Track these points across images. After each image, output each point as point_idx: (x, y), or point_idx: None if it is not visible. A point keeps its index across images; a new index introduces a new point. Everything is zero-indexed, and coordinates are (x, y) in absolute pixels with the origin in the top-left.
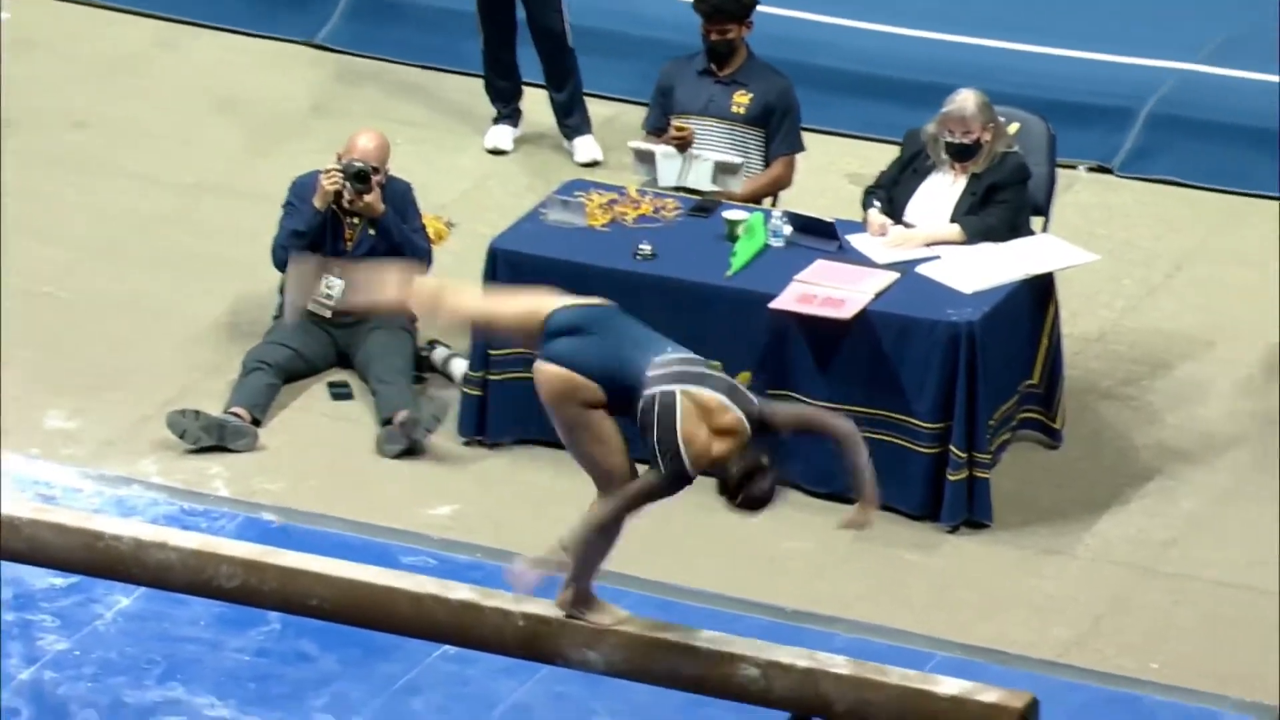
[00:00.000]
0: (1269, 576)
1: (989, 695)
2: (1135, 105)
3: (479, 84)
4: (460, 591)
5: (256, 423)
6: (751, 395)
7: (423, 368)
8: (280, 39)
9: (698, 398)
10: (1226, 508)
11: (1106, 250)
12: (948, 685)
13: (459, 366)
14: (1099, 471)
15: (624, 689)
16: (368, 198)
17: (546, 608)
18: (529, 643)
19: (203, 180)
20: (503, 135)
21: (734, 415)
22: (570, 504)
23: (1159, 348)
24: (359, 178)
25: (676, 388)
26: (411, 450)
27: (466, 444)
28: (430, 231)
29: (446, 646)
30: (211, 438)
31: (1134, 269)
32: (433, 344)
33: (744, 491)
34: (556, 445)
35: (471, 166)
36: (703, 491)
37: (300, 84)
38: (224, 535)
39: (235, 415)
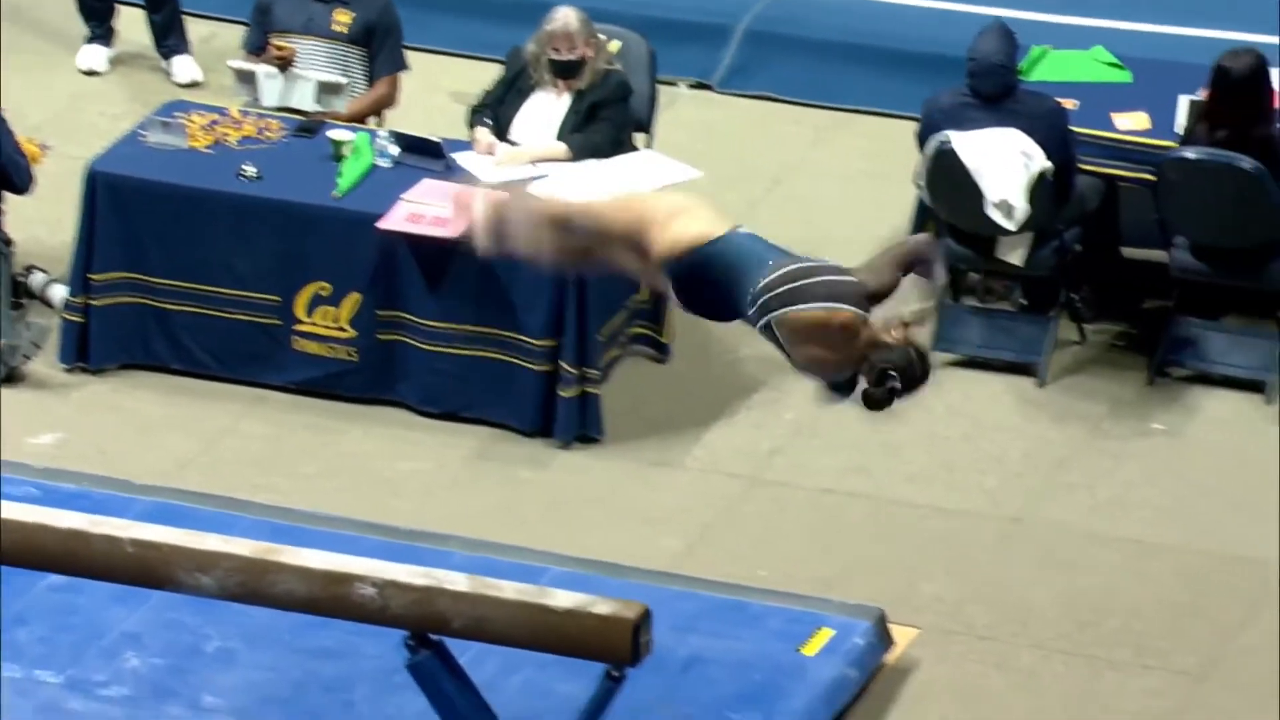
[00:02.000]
0: (867, 481)
1: (603, 607)
2: (732, 22)
3: (70, 2)
4: (68, 519)
5: None
6: (847, 273)
7: (20, 294)
8: None
9: (794, 322)
10: (826, 416)
11: (708, 166)
12: (563, 598)
13: (58, 292)
14: (707, 384)
15: (238, 613)
16: None
17: (157, 533)
18: (139, 569)
19: None
20: (96, 55)
21: (845, 314)
22: (176, 429)
23: None
24: None
25: (771, 319)
26: (11, 378)
27: (69, 371)
28: None
29: (53, 576)
30: None
31: (735, 184)
32: (29, 269)
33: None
34: (161, 370)
35: (64, 87)
36: (314, 412)
37: None
38: None
39: None
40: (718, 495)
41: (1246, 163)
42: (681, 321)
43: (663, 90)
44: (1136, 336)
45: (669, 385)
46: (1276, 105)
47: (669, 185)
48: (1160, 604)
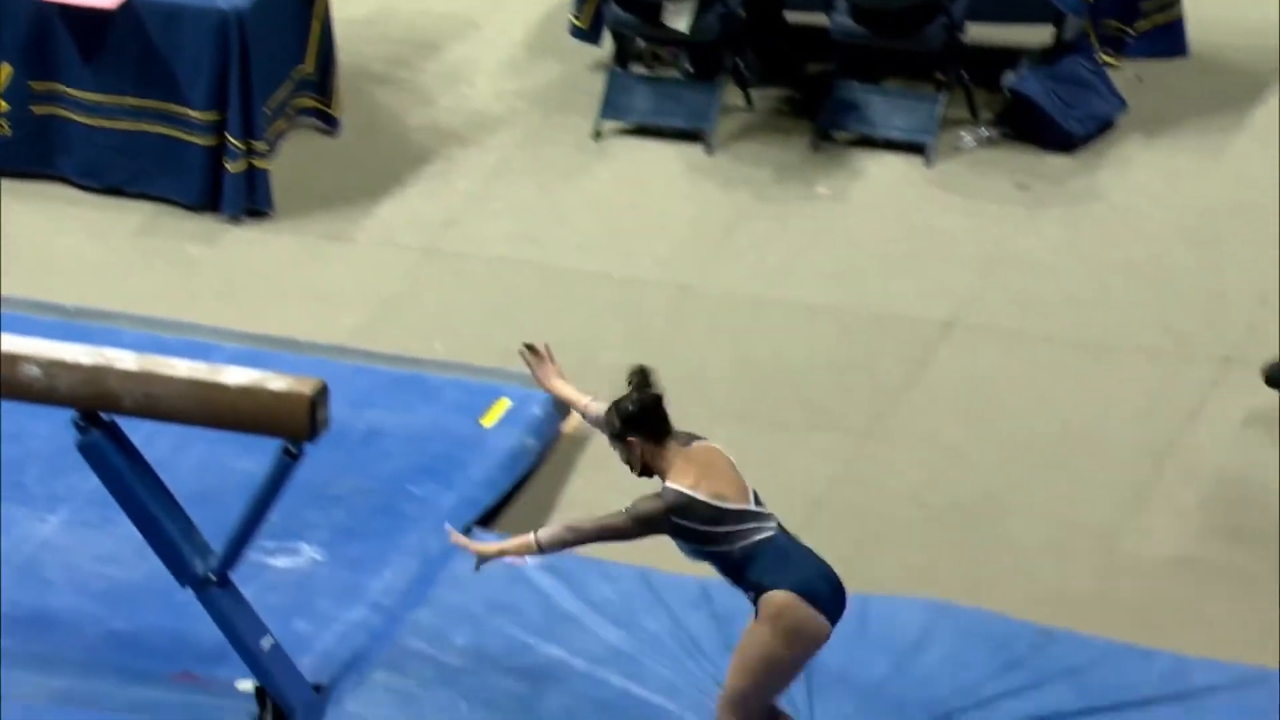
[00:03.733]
0: (540, 251)
1: (278, 384)
2: None
3: None
4: None
5: None
6: None
7: None
8: None
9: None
10: (497, 185)
11: None
12: (237, 375)
13: None
14: (377, 157)
15: None
16: None
17: None
18: None
19: None
20: None
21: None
22: None
23: (429, 29)
24: None
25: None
26: None
27: None
28: None
29: None
30: None
31: None
32: None
33: None
34: None
35: None
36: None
37: None
38: None
39: None
40: (392, 268)
41: None
42: (348, 93)
43: None
44: (800, 101)
45: (338, 158)
46: None
47: None
48: (828, 365)
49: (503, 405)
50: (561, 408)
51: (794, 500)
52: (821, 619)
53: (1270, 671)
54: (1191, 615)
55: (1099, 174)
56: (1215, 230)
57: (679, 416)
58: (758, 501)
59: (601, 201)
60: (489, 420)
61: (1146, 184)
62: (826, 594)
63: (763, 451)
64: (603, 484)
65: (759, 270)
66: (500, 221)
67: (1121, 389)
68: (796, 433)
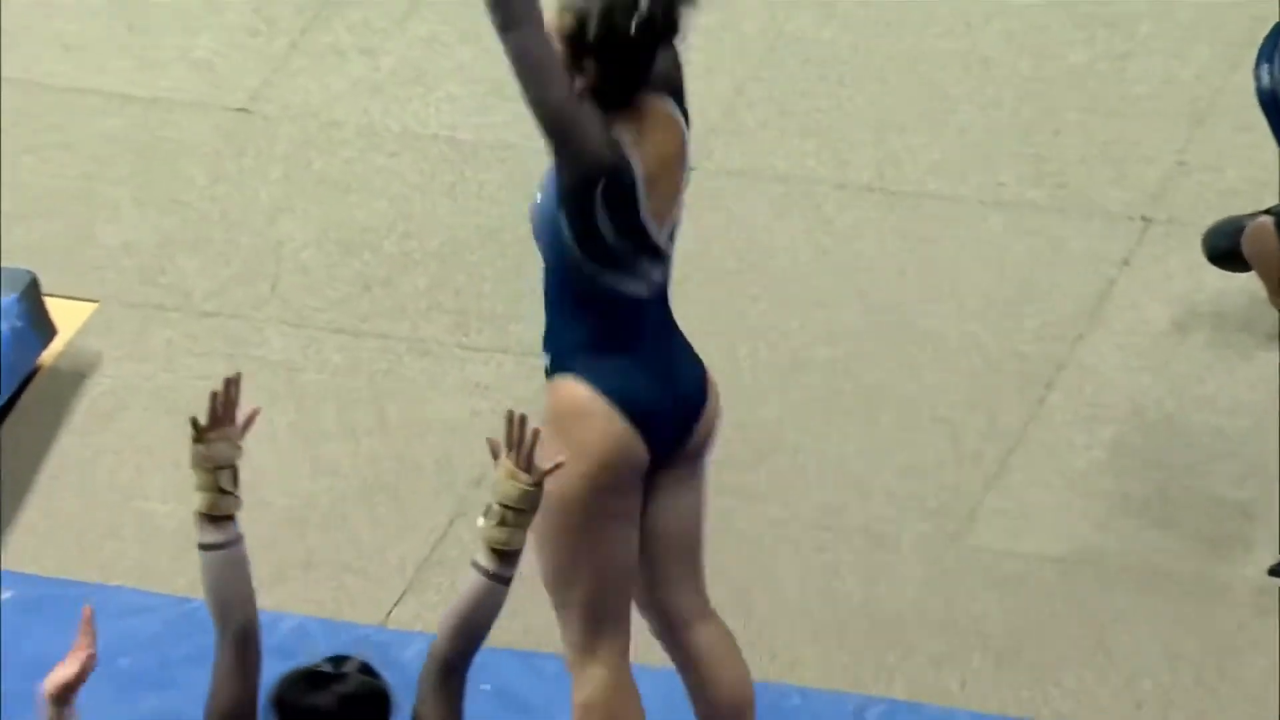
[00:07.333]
0: (12, 59)
1: None
2: None
3: None
4: None
5: None
6: None
7: None
8: None
9: None
10: None
11: None
12: None
13: None
14: None
15: None
16: None
17: None
18: None
19: None
20: None
21: None
22: None
23: None
24: None
25: None
26: None
27: None
28: None
29: None
30: None
31: None
32: None
33: None
34: None
35: None
36: None
37: None
38: None
39: None
40: None
41: None
42: None
43: None
44: None
45: None
46: None
47: None
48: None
49: None
50: (46, 328)
51: (453, 475)
52: (623, 427)
53: None
54: None
55: None
56: None
57: (252, 333)
58: (670, 239)
59: None
60: None
61: None
62: (650, 403)
63: (389, 386)
64: (111, 444)
65: (355, 84)
66: None
67: None
68: (441, 357)
